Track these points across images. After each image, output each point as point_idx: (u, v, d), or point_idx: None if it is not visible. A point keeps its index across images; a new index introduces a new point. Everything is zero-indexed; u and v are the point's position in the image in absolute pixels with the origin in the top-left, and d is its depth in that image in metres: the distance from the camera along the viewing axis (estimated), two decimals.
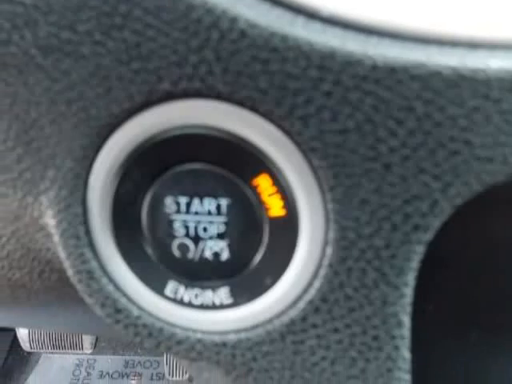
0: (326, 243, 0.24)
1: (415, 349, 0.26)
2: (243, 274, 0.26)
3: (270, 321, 0.26)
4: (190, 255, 0.26)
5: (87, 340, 1.41)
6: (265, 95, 0.22)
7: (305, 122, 0.22)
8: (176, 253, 0.26)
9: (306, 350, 0.26)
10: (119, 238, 0.26)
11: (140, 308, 0.27)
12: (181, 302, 0.27)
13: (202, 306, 0.27)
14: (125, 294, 0.27)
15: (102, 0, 0.22)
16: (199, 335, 0.27)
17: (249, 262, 0.26)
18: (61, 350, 1.41)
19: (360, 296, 0.25)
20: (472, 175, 0.22)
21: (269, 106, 0.22)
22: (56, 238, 0.26)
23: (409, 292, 0.24)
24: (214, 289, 0.27)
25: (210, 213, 0.25)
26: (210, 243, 0.26)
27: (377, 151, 0.22)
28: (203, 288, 0.27)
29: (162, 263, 0.27)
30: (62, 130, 0.24)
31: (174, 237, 0.26)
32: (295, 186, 0.24)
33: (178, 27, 0.21)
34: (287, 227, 0.25)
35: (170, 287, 0.27)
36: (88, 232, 0.26)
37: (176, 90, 0.22)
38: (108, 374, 1.46)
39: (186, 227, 0.25)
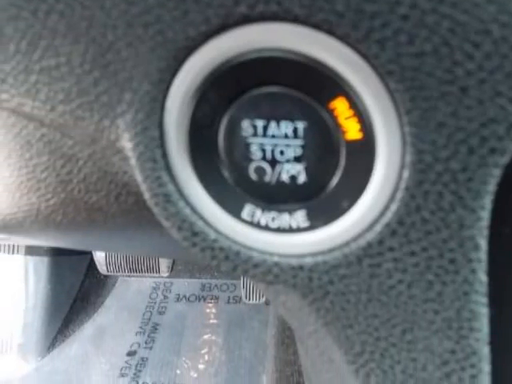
0: (402, 166, 0.25)
1: (492, 272, 0.27)
2: (320, 197, 0.27)
3: (346, 244, 0.28)
4: (267, 178, 0.27)
5: (164, 263, 1.45)
6: (341, 18, 0.22)
7: (382, 45, 0.23)
8: (253, 176, 0.27)
9: (382, 274, 0.28)
10: (196, 161, 0.28)
11: (217, 231, 0.29)
12: (257, 226, 0.28)
13: (279, 230, 0.28)
14: (201, 217, 0.29)
15: None
16: (276, 258, 0.29)
17: (325, 185, 0.27)
18: (137, 274, 1.45)
19: (437, 219, 0.26)
20: None
21: (345, 29, 0.23)
22: (133, 161, 0.28)
23: (485, 215, 0.25)
24: (290, 212, 0.28)
25: (286, 136, 0.26)
26: (286, 166, 0.27)
27: (453, 74, 0.23)
28: (280, 211, 0.28)
29: (238, 186, 0.28)
30: (138, 54, 0.25)
31: (250, 160, 0.27)
32: (372, 110, 0.24)
33: None
34: (364, 150, 0.26)
35: (247, 210, 0.28)
36: (165, 155, 0.28)
37: (253, 13, 0.23)
38: (185, 297, 1.50)
39: (263, 150, 0.27)
